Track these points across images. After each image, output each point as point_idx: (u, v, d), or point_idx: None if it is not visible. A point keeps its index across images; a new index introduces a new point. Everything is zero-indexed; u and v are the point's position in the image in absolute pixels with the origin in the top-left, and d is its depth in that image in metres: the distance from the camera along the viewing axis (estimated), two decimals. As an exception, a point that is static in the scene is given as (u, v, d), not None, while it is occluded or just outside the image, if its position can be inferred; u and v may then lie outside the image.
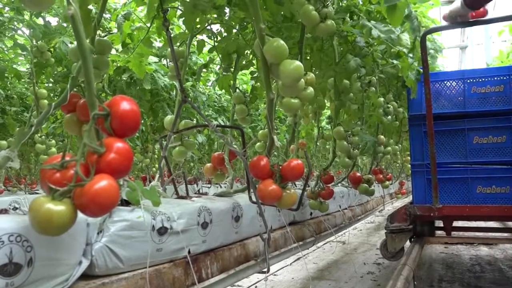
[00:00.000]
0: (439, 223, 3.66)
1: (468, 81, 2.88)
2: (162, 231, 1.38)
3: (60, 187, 0.90)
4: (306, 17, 1.81)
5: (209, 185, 6.76)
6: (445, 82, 2.93)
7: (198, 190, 2.78)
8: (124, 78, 3.59)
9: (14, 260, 0.92)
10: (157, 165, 6.68)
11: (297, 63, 1.59)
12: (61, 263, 1.03)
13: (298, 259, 3.92)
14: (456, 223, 3.54)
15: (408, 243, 3.10)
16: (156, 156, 5.92)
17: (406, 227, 2.81)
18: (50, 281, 1.00)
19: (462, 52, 14.49)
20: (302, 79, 1.73)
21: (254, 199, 1.87)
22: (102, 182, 0.90)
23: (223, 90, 4.23)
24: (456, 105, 2.88)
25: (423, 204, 2.80)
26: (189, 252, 1.50)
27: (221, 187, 6.50)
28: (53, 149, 3.88)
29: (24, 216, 0.99)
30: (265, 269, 1.95)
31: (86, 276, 1.14)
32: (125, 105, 1.01)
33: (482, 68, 3.62)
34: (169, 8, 1.96)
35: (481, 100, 2.83)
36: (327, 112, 4.21)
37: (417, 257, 2.64)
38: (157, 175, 1.94)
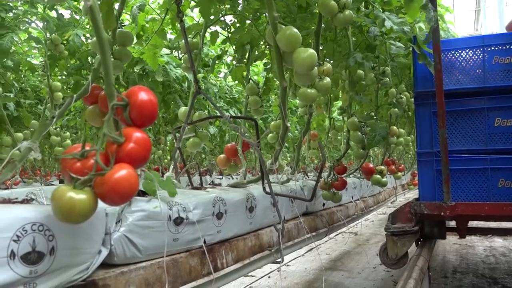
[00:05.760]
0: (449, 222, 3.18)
1: (489, 49, 2.35)
2: (178, 221, 1.39)
3: (81, 176, 0.91)
4: (324, 7, 1.79)
5: (220, 177, 6.78)
6: (460, 51, 2.41)
7: (212, 181, 2.80)
8: (136, 70, 3.61)
9: (37, 248, 0.93)
10: (169, 157, 6.73)
11: (311, 51, 1.58)
12: (81, 252, 1.05)
13: (311, 249, 3.93)
14: (471, 223, 3.13)
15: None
16: (168, 147, 5.95)
17: (411, 228, 2.35)
18: (71, 270, 1.02)
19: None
20: (316, 68, 1.73)
21: (268, 189, 1.88)
22: (122, 171, 0.91)
23: (234, 82, 4.23)
24: (474, 79, 2.38)
25: (432, 201, 2.35)
26: (204, 242, 1.52)
27: (232, 178, 6.52)
28: (68, 141, 3.92)
29: (45, 206, 1.00)
30: (279, 259, 1.96)
31: (105, 264, 1.16)
32: (143, 95, 1.01)
33: (507, 33, 2.81)
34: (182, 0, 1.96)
35: (505, 73, 2.31)
36: (338, 103, 4.19)
37: (431, 250, 2.58)
38: (171, 166, 1.95)
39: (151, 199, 1.32)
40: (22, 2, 3.12)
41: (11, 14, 3.02)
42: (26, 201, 1.04)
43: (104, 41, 1.03)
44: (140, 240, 1.24)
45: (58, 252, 0.98)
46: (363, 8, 2.56)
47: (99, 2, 1.61)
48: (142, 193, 1.38)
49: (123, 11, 3.05)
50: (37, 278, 0.93)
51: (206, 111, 3.89)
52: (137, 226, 1.24)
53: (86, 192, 0.89)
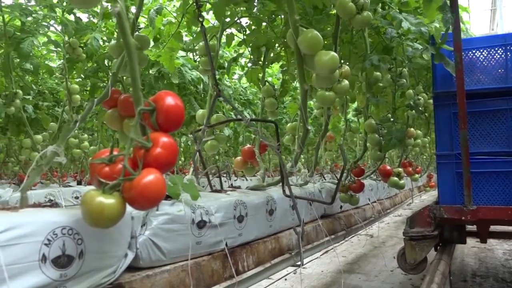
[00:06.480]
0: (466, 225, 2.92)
1: None
2: (201, 224, 1.39)
3: (110, 181, 0.92)
4: (342, 9, 1.78)
5: (235, 178, 6.79)
6: (481, 51, 2.35)
7: (231, 184, 2.79)
8: (152, 72, 3.63)
9: (66, 252, 0.94)
10: (183, 158, 6.76)
11: (332, 53, 1.58)
12: (109, 256, 1.06)
13: (327, 252, 3.90)
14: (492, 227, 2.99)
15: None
16: (182, 149, 5.97)
17: (430, 233, 2.28)
18: (99, 273, 1.02)
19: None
20: (337, 71, 1.72)
21: (287, 192, 1.87)
22: (150, 176, 0.92)
23: (249, 84, 4.21)
24: (496, 79, 2.30)
25: (452, 205, 2.27)
26: (226, 245, 1.52)
27: (246, 180, 6.52)
28: (86, 143, 3.95)
29: (73, 210, 1.01)
30: (299, 263, 1.95)
31: (131, 268, 1.16)
32: (170, 100, 1.02)
33: (530, 30, 2.80)
34: (202, 4, 1.97)
35: (529, 72, 2.22)
36: (353, 104, 4.16)
37: (451, 255, 2.53)
38: (191, 169, 1.96)
39: (174, 202, 1.32)
40: (41, 6, 3.16)
41: (30, 19, 3.06)
42: (55, 204, 1.05)
43: (131, 46, 1.04)
44: (164, 243, 1.25)
45: (87, 256, 0.99)
46: (380, 9, 2.54)
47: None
48: (165, 197, 1.38)
49: (141, 14, 3.08)
50: (66, 282, 0.94)
51: (220, 112, 3.90)
52: (161, 229, 1.25)
53: (115, 196, 0.90)
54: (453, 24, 2.07)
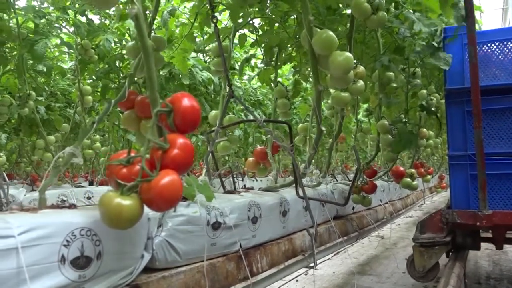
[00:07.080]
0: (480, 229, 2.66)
1: None
2: (216, 225, 1.39)
3: (128, 182, 0.92)
4: (358, 9, 1.77)
5: (241, 179, 6.76)
6: (497, 44, 2.20)
7: (244, 185, 2.76)
8: (163, 73, 3.64)
9: (85, 253, 0.94)
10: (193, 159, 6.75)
11: (347, 54, 1.57)
12: (126, 257, 1.06)
13: (337, 253, 3.88)
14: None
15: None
16: (192, 150, 5.96)
17: (441, 239, 2.17)
18: (117, 274, 1.03)
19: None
20: (352, 71, 1.71)
21: (301, 193, 1.86)
22: (168, 178, 0.92)
23: (259, 84, 4.20)
24: None
25: (466, 210, 2.14)
26: (240, 246, 1.51)
27: (256, 180, 6.51)
28: (98, 144, 3.97)
29: (91, 211, 1.01)
30: (312, 264, 1.95)
31: (147, 269, 1.16)
32: (186, 101, 1.02)
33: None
34: (215, 5, 1.97)
35: (548, 67, 2.09)
36: (364, 105, 4.12)
37: (464, 259, 2.46)
38: (204, 170, 1.96)
39: (190, 203, 1.32)
40: (53, 8, 3.19)
41: (43, 21, 3.09)
42: (73, 206, 1.06)
43: (148, 48, 1.04)
44: (180, 244, 1.25)
45: (105, 257, 0.99)
46: (393, 9, 2.52)
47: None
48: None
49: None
50: (85, 283, 0.95)
51: (230, 113, 3.90)
52: (177, 230, 1.24)
53: (133, 198, 0.90)
54: (465, 20, 2.01)
